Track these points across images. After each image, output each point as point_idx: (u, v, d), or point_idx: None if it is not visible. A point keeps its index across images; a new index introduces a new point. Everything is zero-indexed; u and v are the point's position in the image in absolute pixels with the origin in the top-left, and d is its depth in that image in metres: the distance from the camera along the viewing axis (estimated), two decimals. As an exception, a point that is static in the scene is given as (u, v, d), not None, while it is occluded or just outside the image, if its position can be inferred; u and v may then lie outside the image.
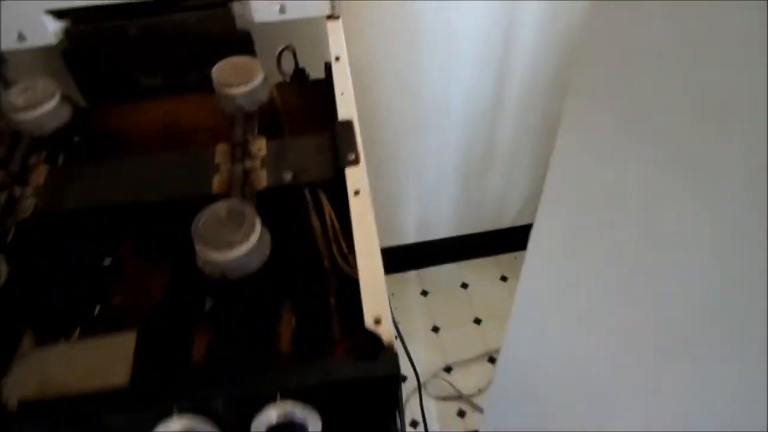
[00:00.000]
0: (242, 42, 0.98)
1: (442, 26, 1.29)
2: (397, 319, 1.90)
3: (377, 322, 0.57)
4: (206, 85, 0.86)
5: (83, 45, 0.95)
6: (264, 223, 0.66)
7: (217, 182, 0.74)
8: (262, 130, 0.81)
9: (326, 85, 0.94)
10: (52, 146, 0.81)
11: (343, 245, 0.75)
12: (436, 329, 1.81)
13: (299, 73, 1.06)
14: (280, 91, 0.93)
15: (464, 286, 1.92)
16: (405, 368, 1.38)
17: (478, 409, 1.63)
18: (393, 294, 1.92)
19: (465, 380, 1.70)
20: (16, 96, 0.79)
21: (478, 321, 1.82)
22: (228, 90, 0.80)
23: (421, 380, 1.72)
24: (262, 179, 0.74)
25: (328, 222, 0.76)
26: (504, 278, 1.92)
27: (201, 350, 0.63)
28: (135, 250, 0.77)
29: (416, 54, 1.33)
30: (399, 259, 1.92)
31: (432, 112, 1.46)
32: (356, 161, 0.73)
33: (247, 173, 0.75)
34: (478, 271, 1.95)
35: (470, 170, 1.66)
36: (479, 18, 1.29)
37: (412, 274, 1.95)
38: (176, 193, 0.73)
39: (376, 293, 0.59)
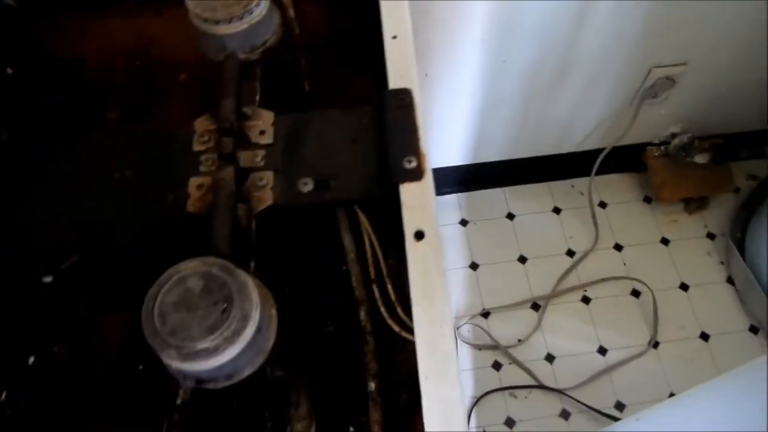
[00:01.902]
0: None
1: None
2: (430, 250, 1.68)
3: None
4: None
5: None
6: (263, 284, 0.41)
7: (194, 192, 0.46)
8: (265, 96, 0.52)
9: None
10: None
11: (391, 291, 0.49)
12: (474, 266, 1.59)
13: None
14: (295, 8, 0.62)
15: (510, 216, 1.66)
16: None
17: (516, 363, 1.46)
18: (427, 220, 1.68)
19: (504, 329, 1.51)
20: None
21: (523, 259, 1.59)
22: (212, 27, 0.50)
23: (455, 324, 1.54)
24: (266, 191, 0.46)
25: (369, 254, 0.49)
26: (557, 210, 1.66)
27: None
28: (82, 271, 0.52)
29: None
30: (438, 181, 1.65)
31: (498, 18, 1.11)
32: (418, 173, 0.45)
33: (242, 175, 0.47)
34: (528, 199, 1.67)
35: (536, 88, 1.33)
36: None
37: (452, 199, 1.69)
38: (131, 209, 0.47)
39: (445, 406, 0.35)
